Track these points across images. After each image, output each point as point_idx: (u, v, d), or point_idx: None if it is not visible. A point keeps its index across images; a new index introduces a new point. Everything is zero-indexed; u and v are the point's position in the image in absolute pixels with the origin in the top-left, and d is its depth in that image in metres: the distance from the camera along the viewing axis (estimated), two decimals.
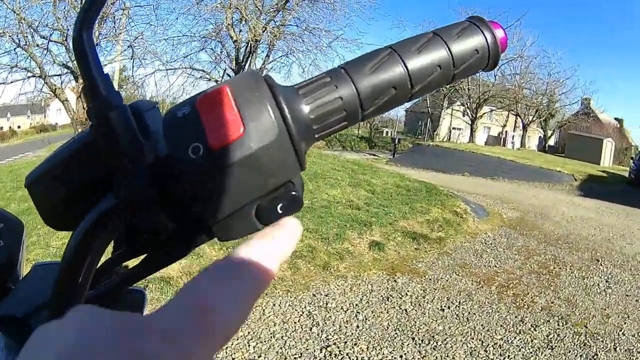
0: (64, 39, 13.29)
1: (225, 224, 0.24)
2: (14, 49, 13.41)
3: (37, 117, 38.92)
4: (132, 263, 0.40)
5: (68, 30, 13.42)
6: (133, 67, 14.67)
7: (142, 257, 0.36)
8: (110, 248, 0.34)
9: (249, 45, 16.69)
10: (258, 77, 0.24)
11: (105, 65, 14.82)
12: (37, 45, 13.47)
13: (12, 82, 13.41)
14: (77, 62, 0.26)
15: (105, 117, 0.25)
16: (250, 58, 17.17)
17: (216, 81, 17.51)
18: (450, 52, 0.27)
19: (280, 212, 0.24)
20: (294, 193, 0.24)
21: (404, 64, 0.26)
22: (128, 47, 13.86)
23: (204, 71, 17.72)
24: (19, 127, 37.81)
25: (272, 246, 0.21)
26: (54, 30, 13.80)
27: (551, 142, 33.77)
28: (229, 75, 17.62)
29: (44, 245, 3.96)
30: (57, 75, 14.27)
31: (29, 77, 13.85)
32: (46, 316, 0.42)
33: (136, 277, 0.38)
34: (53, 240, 4.06)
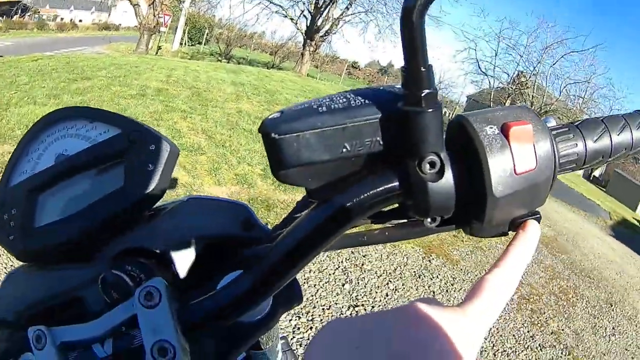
0: None
1: (487, 227, 0.30)
2: None
3: (101, 15, 38.79)
4: None
5: None
6: None
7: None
8: None
9: None
10: (543, 123, 0.30)
11: None
12: None
13: None
14: (408, 40, 0.24)
15: (424, 111, 0.26)
16: (330, 6, 16.43)
17: (291, 19, 17.19)
18: None
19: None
20: (537, 216, 0.31)
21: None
22: None
23: (281, 6, 17.10)
24: (80, 21, 37.18)
25: (520, 256, 0.29)
26: None
27: (596, 173, 32.47)
28: (305, 16, 17.04)
29: None
30: None
31: None
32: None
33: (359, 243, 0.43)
34: None
